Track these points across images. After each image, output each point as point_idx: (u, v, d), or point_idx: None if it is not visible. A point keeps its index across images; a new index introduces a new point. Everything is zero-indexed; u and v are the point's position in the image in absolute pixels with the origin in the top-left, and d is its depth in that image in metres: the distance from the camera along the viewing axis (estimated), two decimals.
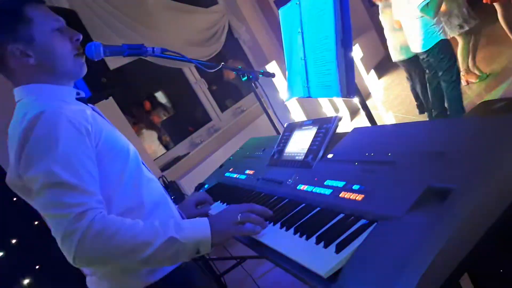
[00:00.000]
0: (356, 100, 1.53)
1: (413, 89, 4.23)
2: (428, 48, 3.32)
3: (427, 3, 3.08)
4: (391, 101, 5.30)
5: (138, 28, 3.88)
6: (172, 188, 3.48)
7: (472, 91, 4.25)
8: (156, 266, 1.09)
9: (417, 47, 3.42)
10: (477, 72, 4.37)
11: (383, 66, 7.06)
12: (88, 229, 0.90)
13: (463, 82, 4.38)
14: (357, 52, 5.95)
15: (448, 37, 3.53)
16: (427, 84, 3.72)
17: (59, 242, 0.92)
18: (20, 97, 1.09)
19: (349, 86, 1.40)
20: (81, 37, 1.16)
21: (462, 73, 4.28)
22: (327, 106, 5.11)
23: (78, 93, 1.19)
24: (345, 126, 1.30)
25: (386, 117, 4.83)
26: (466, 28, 4.06)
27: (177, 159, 4.09)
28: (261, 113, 3.83)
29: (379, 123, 1.58)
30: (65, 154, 0.95)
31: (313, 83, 1.64)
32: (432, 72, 3.53)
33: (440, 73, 3.41)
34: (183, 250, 0.99)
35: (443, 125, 0.96)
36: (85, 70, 1.18)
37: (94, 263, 1.00)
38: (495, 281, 0.95)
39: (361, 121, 4.64)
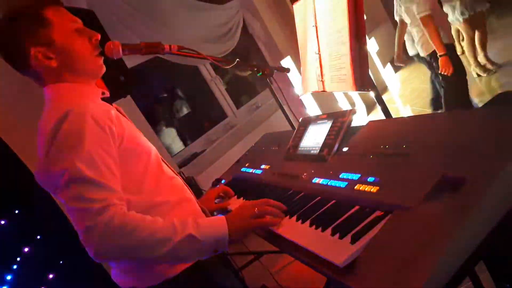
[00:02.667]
0: (372, 94, 1.53)
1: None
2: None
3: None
4: (408, 95, 5.24)
5: (154, 27, 3.92)
6: (189, 184, 3.52)
7: (482, 83, 4.20)
8: (173, 262, 1.11)
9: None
10: (489, 65, 4.29)
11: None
12: (109, 224, 0.92)
13: (473, 74, 4.33)
14: (373, 46, 5.88)
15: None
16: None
17: (80, 236, 0.94)
18: (49, 96, 1.12)
19: (364, 79, 1.40)
20: (99, 37, 1.18)
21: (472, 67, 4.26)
22: (342, 101, 5.07)
23: (103, 93, 1.22)
24: (362, 120, 1.31)
25: (403, 110, 4.77)
26: (466, 15, 4.01)
27: (194, 155, 4.13)
28: (276, 109, 3.84)
29: (396, 117, 1.57)
30: (89, 152, 0.97)
31: (327, 77, 1.65)
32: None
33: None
34: (201, 248, 1.02)
35: (458, 117, 0.96)
36: (104, 69, 1.21)
37: (114, 257, 1.03)
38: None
39: (378, 115, 4.60)
